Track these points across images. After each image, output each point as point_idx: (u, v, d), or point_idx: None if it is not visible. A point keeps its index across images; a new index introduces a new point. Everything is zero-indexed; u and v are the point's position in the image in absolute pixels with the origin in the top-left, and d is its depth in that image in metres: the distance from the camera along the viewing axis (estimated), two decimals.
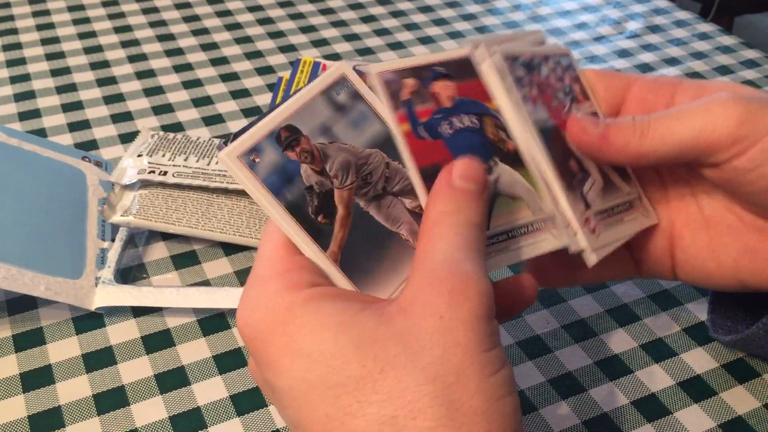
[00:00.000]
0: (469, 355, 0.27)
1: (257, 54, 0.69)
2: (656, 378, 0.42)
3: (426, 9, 0.77)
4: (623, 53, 0.71)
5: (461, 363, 0.27)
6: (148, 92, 0.64)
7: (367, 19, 0.75)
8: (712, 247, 0.37)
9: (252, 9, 0.76)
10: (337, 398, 0.27)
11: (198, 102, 0.63)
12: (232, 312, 0.45)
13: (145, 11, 0.75)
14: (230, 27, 0.73)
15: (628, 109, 0.38)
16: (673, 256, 0.39)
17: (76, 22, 0.73)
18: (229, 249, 0.49)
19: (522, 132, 0.35)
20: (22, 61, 0.67)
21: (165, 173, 0.49)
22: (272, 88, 0.65)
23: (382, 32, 0.73)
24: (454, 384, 0.26)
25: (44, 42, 0.70)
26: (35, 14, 0.74)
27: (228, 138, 0.31)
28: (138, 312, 0.45)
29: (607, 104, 0.38)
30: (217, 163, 0.49)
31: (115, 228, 0.49)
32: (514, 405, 0.28)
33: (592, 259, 0.35)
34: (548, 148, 0.35)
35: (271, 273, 0.30)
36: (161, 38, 0.71)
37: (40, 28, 0.72)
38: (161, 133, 0.53)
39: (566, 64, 0.38)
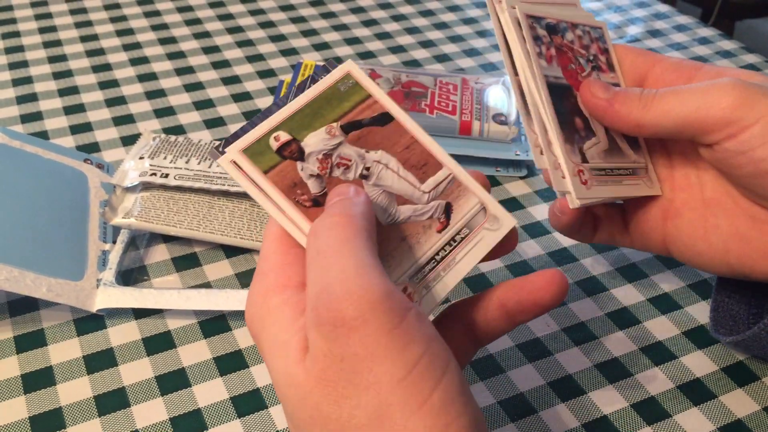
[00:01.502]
0: (382, 396, 0.25)
1: (258, 57, 0.69)
2: (656, 381, 0.42)
3: (427, 13, 0.78)
4: None
5: (378, 409, 0.25)
6: (150, 95, 0.64)
7: (369, 23, 0.75)
8: (706, 228, 0.39)
9: (253, 12, 0.77)
10: (303, 400, 0.27)
11: (199, 105, 0.63)
12: (233, 314, 0.45)
13: (147, 14, 0.76)
14: (232, 30, 0.73)
15: (648, 85, 0.40)
16: (665, 231, 0.40)
17: (78, 25, 0.73)
18: (230, 251, 0.49)
19: (528, 80, 0.37)
20: (24, 64, 0.67)
21: (166, 176, 0.49)
22: (273, 91, 0.65)
23: (383, 36, 0.73)
24: (380, 428, 0.25)
25: (46, 45, 0.70)
26: (37, 17, 0.74)
27: (222, 141, 0.31)
28: (139, 314, 0.45)
29: (631, 79, 0.41)
30: (218, 165, 0.49)
31: (117, 230, 0.49)
32: (462, 427, 0.25)
33: (575, 203, 0.37)
34: (554, 100, 0.37)
35: (268, 267, 0.31)
36: (163, 41, 0.71)
37: (42, 31, 0.72)
38: (163, 135, 0.53)
39: (597, 36, 0.41)
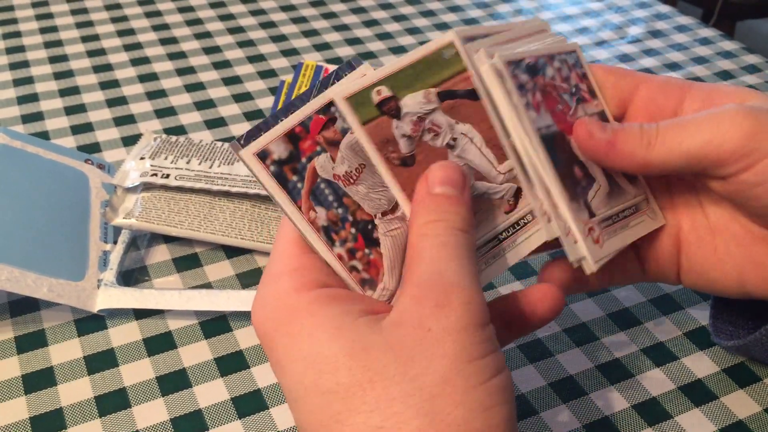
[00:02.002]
0: (454, 365, 0.27)
1: (260, 57, 0.69)
2: (657, 382, 0.42)
3: (428, 13, 0.78)
4: (625, 58, 0.71)
5: (446, 373, 0.27)
6: (151, 95, 0.64)
7: (370, 23, 0.75)
8: (718, 256, 0.37)
9: (254, 13, 0.77)
10: (329, 404, 0.27)
11: (200, 105, 0.63)
12: (234, 314, 0.45)
13: (148, 15, 0.76)
14: (233, 31, 0.73)
15: (636, 109, 0.37)
16: (679, 261, 0.39)
17: (79, 25, 0.73)
18: (231, 252, 0.49)
19: (523, 141, 0.34)
20: (25, 64, 0.67)
21: (167, 176, 0.49)
22: (274, 91, 0.65)
23: (384, 36, 0.73)
24: (439, 395, 0.27)
25: (47, 45, 0.70)
26: (38, 17, 0.74)
27: (239, 137, 0.31)
28: (140, 314, 0.45)
29: (615, 103, 0.37)
30: (219, 166, 0.49)
31: (118, 230, 0.49)
32: (503, 415, 0.27)
33: (591, 267, 0.35)
34: (551, 155, 0.34)
35: (281, 270, 0.30)
36: (164, 42, 0.71)
37: (43, 31, 0.72)
38: (164, 136, 0.53)
39: (573, 62, 0.37)
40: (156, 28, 0.73)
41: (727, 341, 0.41)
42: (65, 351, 0.43)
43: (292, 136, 0.31)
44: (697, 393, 0.41)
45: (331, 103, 0.32)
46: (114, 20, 0.74)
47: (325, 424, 0.27)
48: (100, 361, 0.42)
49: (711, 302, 0.43)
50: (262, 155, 0.31)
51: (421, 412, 0.26)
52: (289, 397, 0.29)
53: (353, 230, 0.32)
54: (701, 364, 0.43)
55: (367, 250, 0.32)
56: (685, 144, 0.33)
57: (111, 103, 0.63)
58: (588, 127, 0.35)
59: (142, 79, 0.66)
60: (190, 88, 0.65)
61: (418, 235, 0.30)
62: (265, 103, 0.63)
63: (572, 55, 0.37)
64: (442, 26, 0.75)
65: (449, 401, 0.27)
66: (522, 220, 0.34)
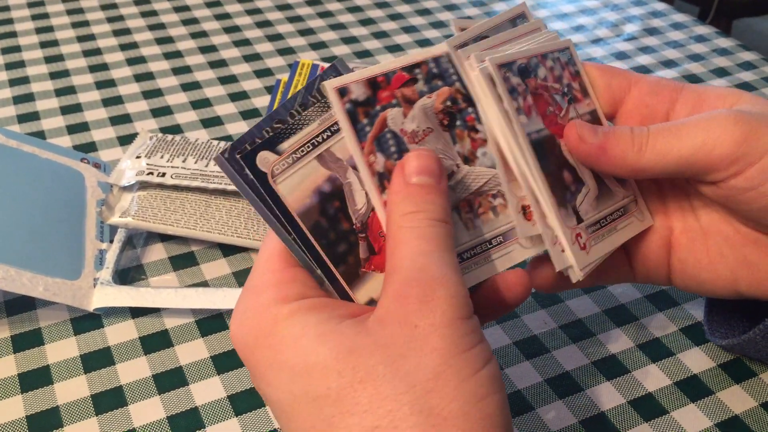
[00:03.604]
0: (444, 359, 0.27)
1: (256, 57, 0.69)
2: (653, 378, 0.42)
3: (424, 12, 0.78)
4: (621, 56, 0.71)
5: (437, 368, 0.27)
6: (147, 95, 0.64)
7: (365, 22, 0.75)
8: (710, 258, 0.37)
9: (250, 12, 0.77)
10: (320, 410, 0.27)
11: (196, 104, 0.63)
12: (230, 312, 0.45)
13: (144, 14, 0.76)
14: (229, 30, 0.73)
15: (627, 110, 0.37)
16: (669, 263, 0.38)
17: (74, 25, 0.73)
18: (227, 250, 0.49)
19: (512, 147, 0.34)
20: (21, 64, 0.67)
21: (163, 175, 0.49)
22: (270, 90, 0.65)
23: (380, 35, 0.73)
24: (432, 390, 0.27)
25: (43, 45, 0.70)
26: (34, 17, 0.74)
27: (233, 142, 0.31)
28: (136, 313, 0.45)
29: (607, 103, 0.37)
30: (215, 164, 0.49)
31: (114, 229, 0.49)
32: (497, 404, 0.28)
33: (577, 275, 0.35)
34: (541, 161, 0.34)
35: (263, 283, 0.30)
36: (160, 41, 0.71)
37: (39, 31, 0.72)
38: (159, 135, 0.53)
39: (566, 59, 0.37)
40: (152, 27, 0.73)
41: (722, 340, 0.41)
42: (61, 350, 0.43)
43: (373, 83, 0.32)
44: (693, 388, 0.41)
45: (416, 65, 0.33)
46: (110, 20, 0.74)
47: (318, 430, 0.27)
48: (97, 360, 0.42)
49: (705, 302, 0.43)
50: (342, 91, 0.31)
51: (416, 408, 0.26)
52: (277, 410, 0.29)
53: None
54: (697, 360, 0.43)
55: None
56: (676, 149, 0.33)
57: (107, 102, 0.63)
58: (579, 130, 0.34)
59: (138, 78, 0.66)
60: (186, 87, 0.65)
61: (397, 226, 0.30)
62: (261, 102, 0.63)
63: (565, 53, 0.37)
64: (438, 24, 0.75)
65: (443, 395, 0.26)
66: (508, 233, 0.34)
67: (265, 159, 0.31)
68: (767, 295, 0.37)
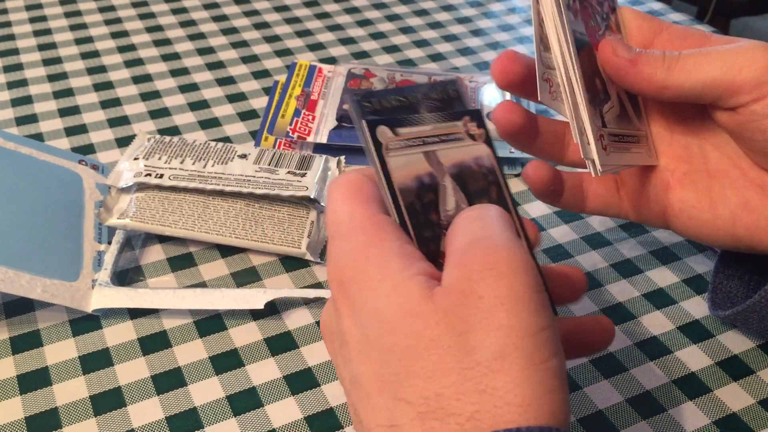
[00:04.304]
0: (511, 340, 0.26)
1: (253, 58, 0.69)
2: (651, 375, 0.42)
3: (421, 12, 0.78)
4: None
5: (504, 348, 0.26)
6: (145, 97, 0.64)
7: (363, 23, 0.75)
8: (712, 198, 0.38)
9: (248, 13, 0.77)
10: (388, 363, 0.27)
11: (194, 106, 0.63)
12: (228, 313, 0.45)
13: (142, 16, 0.76)
14: (226, 31, 0.74)
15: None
16: (666, 203, 0.40)
17: (72, 27, 0.73)
18: (226, 251, 0.49)
19: (557, 37, 0.35)
20: (19, 67, 0.67)
21: (161, 176, 0.49)
22: (268, 91, 0.65)
23: (377, 36, 0.73)
24: (498, 371, 0.25)
25: (41, 47, 0.70)
26: (32, 20, 0.74)
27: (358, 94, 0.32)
28: (134, 314, 0.45)
29: (636, 44, 0.39)
30: (213, 165, 0.50)
31: (112, 231, 0.49)
32: (565, 400, 0.26)
33: (598, 170, 0.36)
34: (579, 60, 0.36)
35: (355, 227, 0.30)
36: (157, 43, 0.71)
37: (37, 33, 0.72)
38: (157, 136, 0.53)
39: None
40: (150, 29, 0.74)
41: (725, 311, 0.41)
42: (60, 351, 0.43)
43: None
44: (691, 386, 0.41)
45: None
46: (108, 22, 0.74)
47: (386, 379, 0.27)
48: (95, 361, 0.42)
49: (710, 277, 0.43)
50: None
51: (480, 387, 0.25)
52: (354, 350, 0.29)
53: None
54: (695, 358, 0.43)
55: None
56: (705, 69, 0.35)
57: (105, 104, 0.63)
58: (613, 44, 0.37)
59: (136, 80, 0.66)
60: (184, 89, 0.65)
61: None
62: (259, 103, 0.63)
63: None
64: (436, 25, 0.75)
65: (509, 380, 0.25)
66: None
67: (383, 132, 0.31)
68: (764, 242, 0.37)
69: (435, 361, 0.26)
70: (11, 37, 0.71)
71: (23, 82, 0.65)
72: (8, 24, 0.73)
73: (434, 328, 0.26)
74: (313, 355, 0.43)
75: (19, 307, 0.45)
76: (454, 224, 0.30)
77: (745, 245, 0.38)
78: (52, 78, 0.66)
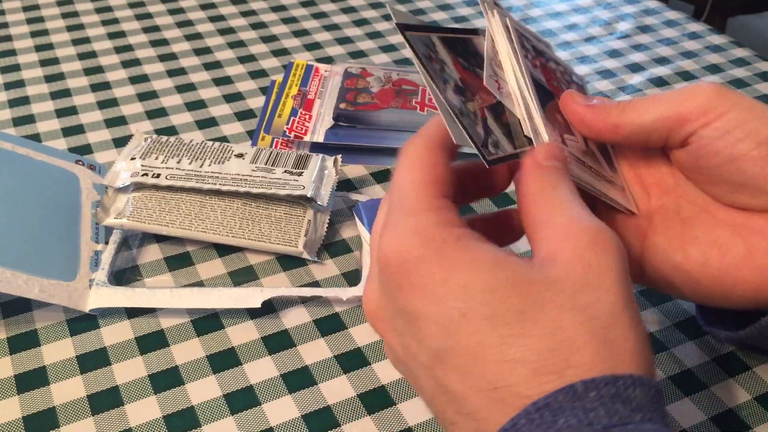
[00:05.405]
0: (620, 301, 0.28)
1: (250, 58, 0.70)
2: None
3: (418, 12, 0.78)
4: (614, 53, 0.72)
5: (615, 307, 0.28)
6: (142, 97, 0.64)
7: (359, 23, 0.76)
8: (683, 240, 0.38)
9: (245, 14, 0.77)
10: (495, 329, 0.28)
11: (191, 106, 0.63)
12: (226, 312, 0.45)
13: (139, 17, 0.76)
14: (223, 31, 0.74)
15: None
16: (642, 250, 0.39)
17: (69, 28, 0.73)
18: (223, 250, 0.49)
19: (514, 69, 0.37)
20: (16, 68, 0.67)
21: (158, 176, 0.49)
22: (265, 91, 0.65)
23: (374, 35, 0.74)
24: (612, 326, 0.28)
25: (38, 48, 0.70)
26: (29, 21, 0.74)
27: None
28: (132, 313, 0.45)
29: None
30: (209, 165, 0.50)
31: (109, 230, 0.49)
32: (653, 361, 0.29)
33: (544, 138, 0.37)
34: (538, 94, 0.37)
35: (421, 206, 0.31)
36: (154, 43, 0.71)
37: (34, 34, 0.72)
38: (154, 136, 0.53)
39: (576, 81, 0.42)
40: (146, 30, 0.74)
41: (721, 332, 0.41)
42: (57, 350, 0.43)
43: None
44: (687, 382, 0.42)
45: None
46: (104, 23, 0.74)
47: (491, 345, 0.28)
48: (93, 360, 0.42)
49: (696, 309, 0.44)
50: None
51: (597, 339, 0.27)
52: (434, 326, 0.29)
53: None
54: (691, 354, 0.43)
55: None
56: (653, 107, 0.37)
57: (102, 105, 0.63)
58: (573, 94, 0.39)
59: (133, 80, 0.66)
60: (181, 89, 0.65)
61: (538, 195, 0.32)
62: (256, 102, 0.63)
63: (576, 77, 0.43)
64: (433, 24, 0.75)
65: (621, 332, 0.28)
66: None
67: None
68: (738, 283, 0.37)
69: (552, 318, 0.28)
70: (8, 38, 0.71)
71: (20, 83, 0.65)
72: (5, 25, 0.74)
73: (546, 291, 0.28)
74: (310, 353, 0.43)
75: (16, 306, 0.45)
76: (537, 204, 0.32)
77: (719, 289, 0.37)
78: (49, 78, 0.66)
